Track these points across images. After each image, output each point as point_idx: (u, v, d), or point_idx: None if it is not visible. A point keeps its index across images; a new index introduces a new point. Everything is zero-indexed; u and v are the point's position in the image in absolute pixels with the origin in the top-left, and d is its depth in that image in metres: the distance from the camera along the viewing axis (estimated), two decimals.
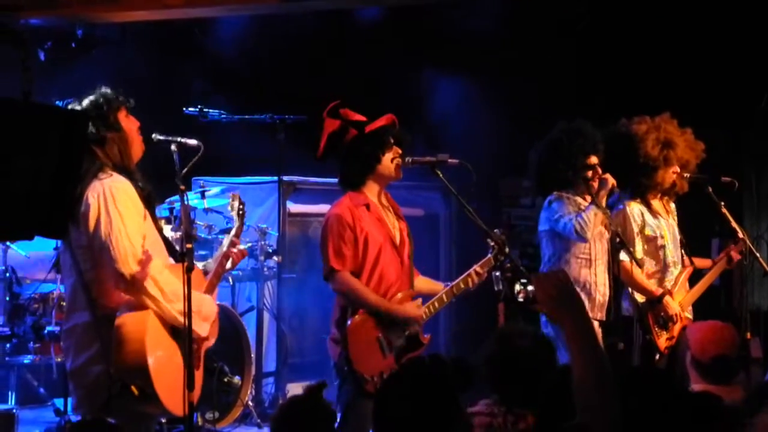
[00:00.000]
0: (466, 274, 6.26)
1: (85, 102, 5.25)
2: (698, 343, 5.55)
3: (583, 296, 6.88)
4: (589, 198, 7.03)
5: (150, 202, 5.31)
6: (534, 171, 7.37)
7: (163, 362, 5.15)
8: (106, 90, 5.31)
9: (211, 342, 5.57)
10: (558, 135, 7.16)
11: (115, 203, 5.05)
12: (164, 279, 5.14)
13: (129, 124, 5.33)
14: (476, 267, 6.25)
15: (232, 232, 5.96)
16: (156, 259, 5.17)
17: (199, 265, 5.79)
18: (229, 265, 5.84)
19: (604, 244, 7.09)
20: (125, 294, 5.09)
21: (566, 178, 7.09)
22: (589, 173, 7.03)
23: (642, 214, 7.48)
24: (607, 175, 6.99)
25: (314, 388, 4.10)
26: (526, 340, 4.61)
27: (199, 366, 5.43)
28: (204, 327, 5.39)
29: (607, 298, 7.06)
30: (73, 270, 5.18)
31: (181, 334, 5.19)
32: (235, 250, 5.82)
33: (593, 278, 7.05)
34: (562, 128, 7.19)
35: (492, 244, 6.23)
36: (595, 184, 7.00)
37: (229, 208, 6.24)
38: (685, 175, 7.61)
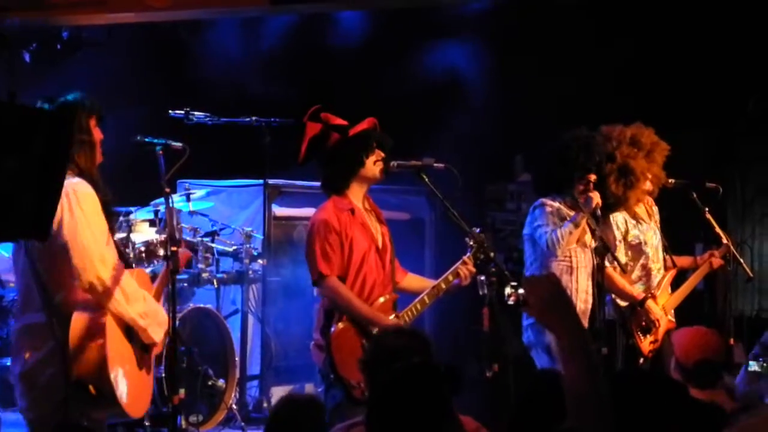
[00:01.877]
0: (446, 274, 6.26)
1: (58, 103, 5.22)
2: (682, 348, 5.58)
3: None
4: (575, 210, 7.04)
5: (108, 209, 5.29)
6: (534, 169, 7.38)
7: (120, 362, 5.14)
8: (80, 94, 5.29)
9: (160, 348, 5.57)
10: (569, 142, 7.13)
11: (78, 203, 5.03)
12: (126, 280, 5.15)
13: (97, 133, 5.32)
14: (457, 266, 6.26)
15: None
16: (118, 261, 5.17)
17: (147, 270, 5.81)
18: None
19: (588, 253, 7.11)
20: (87, 294, 5.07)
21: (560, 184, 7.09)
22: (581, 188, 7.06)
23: (625, 222, 7.52)
24: (594, 194, 7.00)
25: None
26: (402, 338, 4.67)
27: (150, 371, 5.45)
28: (159, 333, 5.38)
29: (589, 306, 7.06)
30: (28, 270, 5.14)
31: (136, 336, 5.23)
32: (181, 250, 5.82)
33: (574, 285, 7.06)
34: (575, 136, 7.17)
35: (471, 243, 6.24)
36: (582, 199, 7.02)
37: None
38: (671, 180, 7.64)
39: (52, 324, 5.03)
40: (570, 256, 7.07)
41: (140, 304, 5.19)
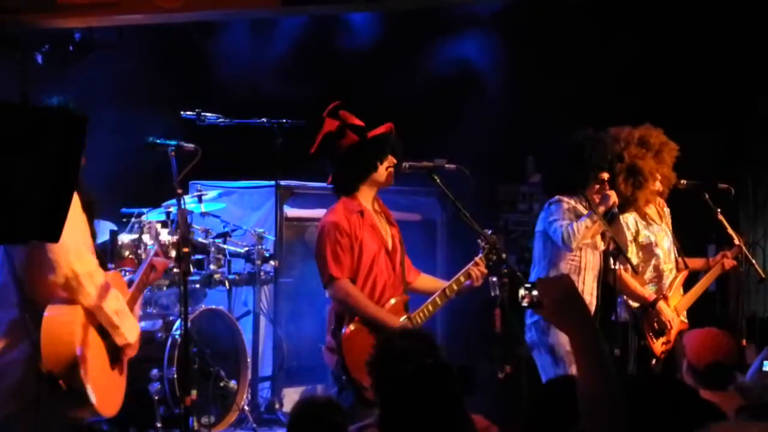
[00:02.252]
0: (458, 275, 6.27)
1: (48, 104, 5.21)
2: (694, 350, 5.57)
3: None
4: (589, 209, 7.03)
5: (90, 211, 5.28)
6: (546, 168, 7.34)
7: (91, 358, 5.13)
8: (64, 97, 5.28)
9: (135, 351, 5.54)
10: (582, 141, 7.13)
11: None
12: (100, 278, 5.15)
13: None
14: (469, 267, 6.26)
15: (155, 249, 5.99)
16: (93, 258, 5.17)
17: (126, 278, 5.81)
18: (152, 275, 5.84)
19: (596, 255, 7.10)
20: (62, 290, 5.06)
21: (574, 184, 7.08)
22: (596, 187, 7.06)
23: (636, 223, 7.50)
24: (611, 192, 7.03)
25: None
26: (408, 340, 4.67)
27: (123, 372, 5.44)
28: (132, 334, 5.36)
29: (593, 308, 7.04)
30: (4, 267, 5.13)
31: (109, 335, 5.21)
32: (159, 259, 5.80)
33: (581, 285, 7.01)
34: (586, 136, 7.17)
35: (483, 244, 6.25)
36: (597, 198, 7.02)
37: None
38: (683, 181, 7.63)
39: (27, 321, 5.02)
40: (579, 256, 7.05)
41: (114, 301, 5.17)
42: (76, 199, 5.14)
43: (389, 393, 4.05)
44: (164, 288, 8.10)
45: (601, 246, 7.09)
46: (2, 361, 5.08)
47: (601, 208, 6.95)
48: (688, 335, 5.93)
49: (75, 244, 5.07)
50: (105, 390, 5.15)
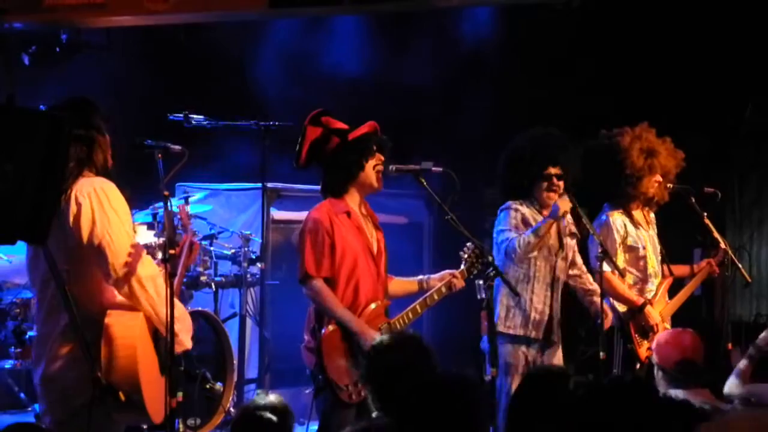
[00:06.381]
0: (438, 286, 6.29)
1: (69, 103, 5.19)
2: (660, 351, 5.63)
3: (516, 311, 6.87)
4: (545, 212, 6.96)
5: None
6: (498, 176, 7.25)
7: (148, 368, 5.11)
8: (87, 97, 5.27)
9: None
10: (521, 143, 7.09)
11: (110, 202, 4.98)
12: (161, 282, 5.10)
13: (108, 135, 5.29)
14: (451, 280, 6.28)
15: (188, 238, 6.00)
16: (152, 261, 5.14)
17: None
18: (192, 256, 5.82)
19: (552, 262, 7.02)
20: (122, 295, 5.02)
21: (519, 187, 7.03)
22: (545, 184, 6.96)
23: (624, 225, 7.50)
24: (562, 201, 6.81)
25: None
26: (401, 353, 4.66)
27: None
28: (188, 339, 5.34)
29: (546, 317, 6.97)
30: (50, 273, 5.07)
31: (161, 341, 5.17)
32: (195, 239, 5.80)
33: (529, 295, 6.93)
34: (527, 136, 7.11)
35: (465, 256, 6.26)
36: (551, 197, 6.92)
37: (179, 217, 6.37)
38: (668, 185, 7.63)
39: (77, 327, 4.95)
40: (527, 266, 6.96)
41: (174, 309, 5.10)
42: (123, 198, 5.10)
43: (398, 405, 4.01)
44: None
45: (561, 253, 7.03)
46: (54, 368, 5.04)
47: (551, 220, 6.81)
48: (655, 340, 5.97)
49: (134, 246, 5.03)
50: (156, 397, 5.08)
